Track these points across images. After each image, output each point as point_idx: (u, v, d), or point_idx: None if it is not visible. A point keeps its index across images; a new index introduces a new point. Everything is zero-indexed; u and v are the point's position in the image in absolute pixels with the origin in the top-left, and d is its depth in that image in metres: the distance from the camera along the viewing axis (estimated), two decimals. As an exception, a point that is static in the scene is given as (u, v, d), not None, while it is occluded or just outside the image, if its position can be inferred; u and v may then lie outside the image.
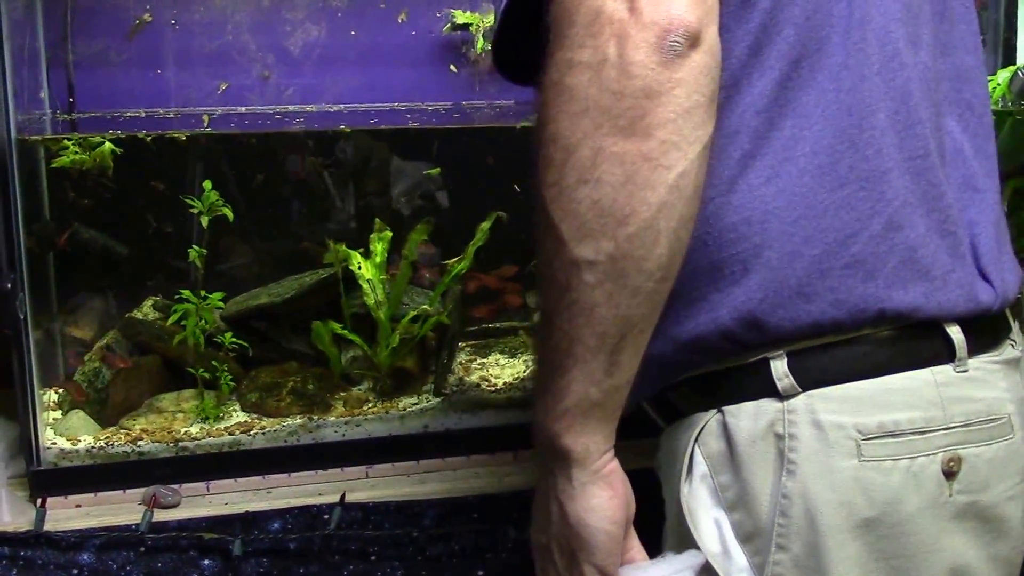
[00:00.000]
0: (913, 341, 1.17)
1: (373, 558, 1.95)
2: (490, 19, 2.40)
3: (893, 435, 1.14)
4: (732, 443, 1.21)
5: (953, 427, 1.16)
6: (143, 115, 2.34)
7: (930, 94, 1.20)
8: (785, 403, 1.19)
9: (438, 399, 2.27)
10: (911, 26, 1.19)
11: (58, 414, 2.19)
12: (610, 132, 0.96)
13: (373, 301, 2.24)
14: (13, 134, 1.96)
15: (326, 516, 1.95)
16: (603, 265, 0.99)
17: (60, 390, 2.27)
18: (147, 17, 2.30)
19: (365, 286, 2.24)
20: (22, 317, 1.94)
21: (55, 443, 2.07)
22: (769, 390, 1.20)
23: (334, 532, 1.93)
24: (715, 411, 1.23)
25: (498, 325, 2.61)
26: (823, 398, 1.14)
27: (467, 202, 2.54)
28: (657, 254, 1.00)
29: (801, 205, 1.12)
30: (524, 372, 2.39)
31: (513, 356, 2.51)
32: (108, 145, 2.11)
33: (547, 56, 1.00)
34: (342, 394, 2.28)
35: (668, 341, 1.21)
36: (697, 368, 1.24)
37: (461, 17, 2.42)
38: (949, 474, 1.17)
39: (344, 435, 2.16)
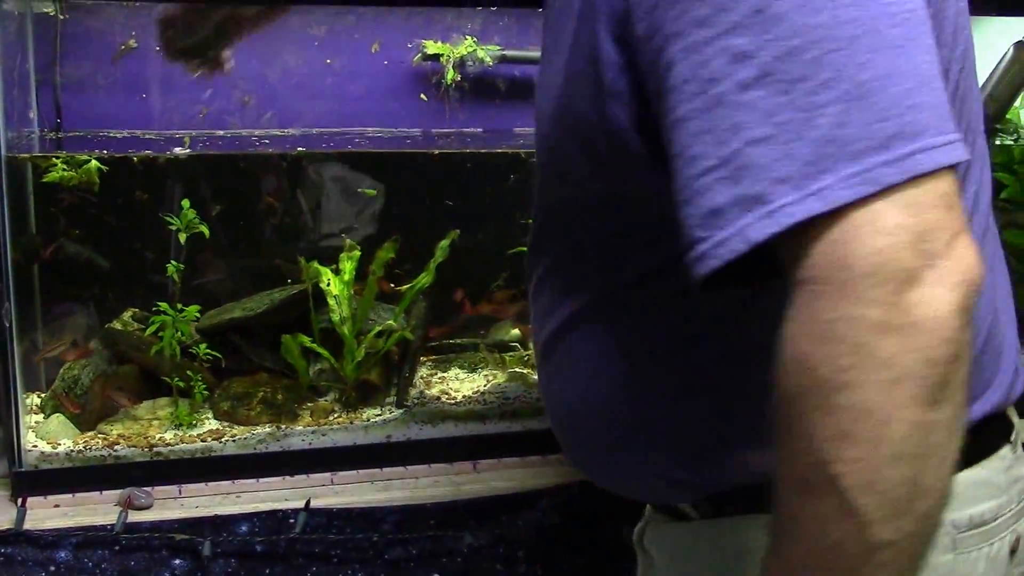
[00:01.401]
0: (986, 429, 1.17)
1: (336, 561, 2.00)
2: (460, 50, 2.44)
3: (979, 526, 1.14)
4: None
5: (1015, 508, 1.18)
6: (127, 136, 2.37)
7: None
8: None
9: (400, 411, 2.32)
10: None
11: (40, 418, 2.23)
12: (923, 402, 0.86)
13: (339, 317, 2.29)
14: (3, 152, 2.01)
15: (292, 520, 2.00)
16: (899, 544, 0.88)
17: (42, 395, 2.31)
18: (132, 43, 2.32)
19: (332, 302, 2.29)
20: (7, 326, 1.99)
21: (36, 446, 2.12)
22: None
23: (299, 536, 1.99)
24: None
25: (458, 341, 2.64)
26: None
27: (428, 222, 2.58)
28: (937, 523, 0.91)
29: None
30: (483, 386, 2.44)
31: (472, 371, 2.55)
32: (94, 163, 2.16)
33: (818, 301, 0.87)
34: (309, 405, 2.32)
35: None
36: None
37: (432, 48, 2.45)
38: (1013, 551, 1.21)
39: (310, 443, 2.21)
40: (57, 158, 2.17)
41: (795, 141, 0.87)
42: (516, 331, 2.68)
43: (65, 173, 2.15)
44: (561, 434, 1.35)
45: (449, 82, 2.48)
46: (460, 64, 2.48)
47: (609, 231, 1.20)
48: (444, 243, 2.37)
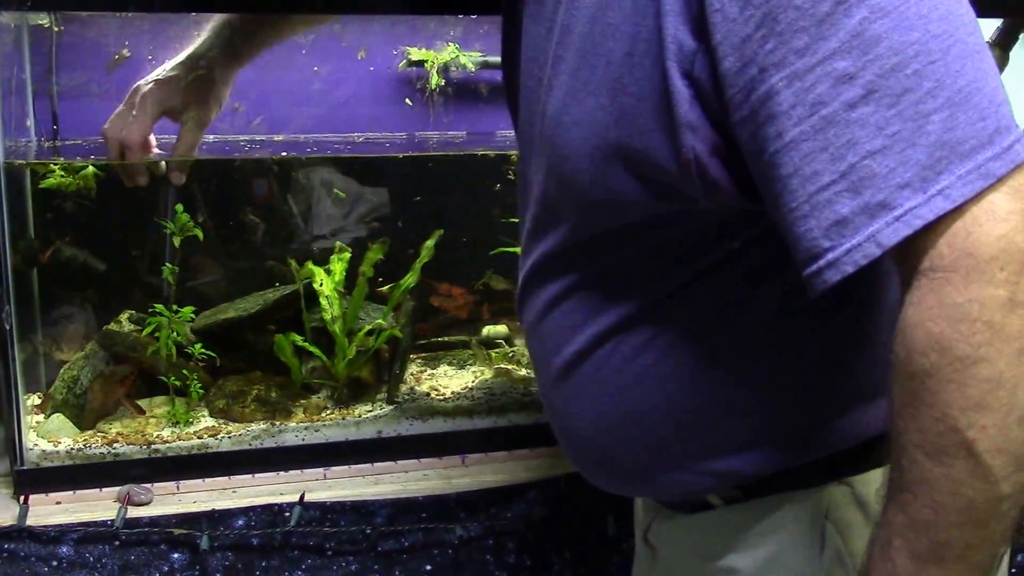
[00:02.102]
0: None
1: (330, 553, 2.04)
2: (443, 56, 2.48)
3: None
4: (865, 510, 1.27)
5: None
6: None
7: None
8: None
9: (391, 407, 2.35)
10: None
11: (40, 418, 2.25)
12: None
13: (330, 316, 2.32)
14: (1, 159, 2.04)
15: (287, 514, 2.04)
16: (1016, 495, 0.98)
17: (42, 395, 2.34)
18: (126, 52, 2.35)
19: (324, 302, 2.32)
20: (7, 328, 2.01)
21: (37, 445, 2.14)
22: None
23: (294, 529, 2.02)
24: (836, 483, 1.28)
25: (447, 339, 2.68)
26: None
27: (416, 223, 2.61)
28: None
29: None
30: (471, 382, 2.47)
31: (461, 368, 2.59)
32: (91, 169, 2.19)
33: (947, 286, 0.96)
34: (302, 402, 2.35)
35: (833, 434, 1.27)
36: (831, 450, 1.29)
37: (416, 54, 2.49)
38: None
39: (304, 439, 2.24)
40: (55, 164, 2.19)
41: (909, 148, 0.95)
42: (502, 328, 2.71)
43: (63, 179, 2.18)
44: (586, 447, 1.39)
45: (433, 87, 2.52)
46: (444, 70, 2.51)
47: (653, 247, 1.26)
48: (429, 243, 2.40)
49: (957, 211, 0.95)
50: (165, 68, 2.00)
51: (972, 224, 0.95)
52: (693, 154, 1.09)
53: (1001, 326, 0.94)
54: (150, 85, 1.98)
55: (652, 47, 1.08)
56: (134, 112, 1.98)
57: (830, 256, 1.00)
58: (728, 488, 1.35)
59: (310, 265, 2.34)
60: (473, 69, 2.54)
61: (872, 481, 1.25)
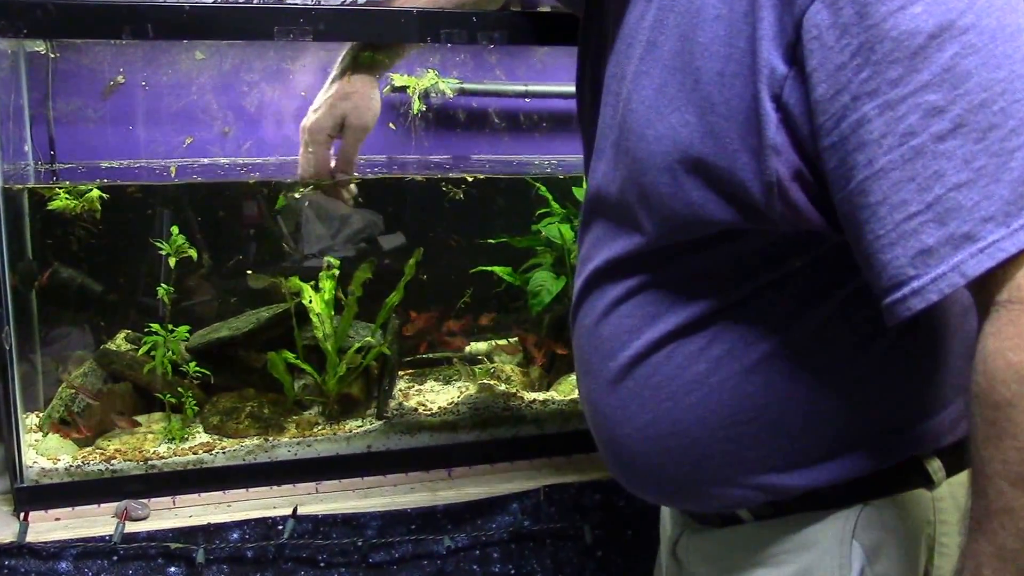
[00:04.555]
0: None
1: (322, 565, 2.08)
2: (424, 82, 2.52)
3: None
4: (890, 533, 1.29)
5: None
6: (116, 166, 2.43)
7: None
8: (934, 491, 1.31)
9: (380, 422, 2.38)
10: None
11: (39, 436, 2.27)
12: None
13: (322, 334, 2.36)
14: (0, 183, 2.07)
15: (280, 527, 2.07)
16: None
17: (40, 414, 2.36)
18: (120, 79, 2.39)
19: (315, 319, 2.35)
20: (7, 348, 2.03)
21: (36, 462, 2.16)
22: (923, 482, 1.31)
23: (287, 542, 2.05)
24: (861, 505, 1.30)
25: (433, 355, 2.71)
26: (964, 484, 1.16)
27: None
28: None
29: None
30: (456, 398, 2.51)
31: (447, 383, 2.63)
32: (96, 192, 2.22)
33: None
34: (294, 418, 2.38)
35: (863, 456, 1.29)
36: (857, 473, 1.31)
37: (399, 80, 2.52)
38: None
39: (296, 454, 2.27)
40: (60, 188, 2.22)
41: (993, 183, 0.99)
42: (484, 345, 2.76)
43: (68, 202, 2.21)
44: (630, 455, 1.40)
45: (415, 112, 2.56)
46: (424, 95, 2.56)
47: (721, 259, 1.28)
48: (412, 261, 2.43)
49: None
50: (318, 99, 2.08)
51: None
52: (776, 177, 1.13)
53: None
54: (310, 120, 2.06)
55: (744, 70, 1.12)
56: (310, 150, 2.05)
57: (915, 284, 1.03)
58: (761, 504, 1.36)
59: (296, 280, 2.37)
60: (451, 95, 2.58)
61: (898, 504, 1.29)
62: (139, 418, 2.34)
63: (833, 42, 1.04)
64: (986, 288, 1.02)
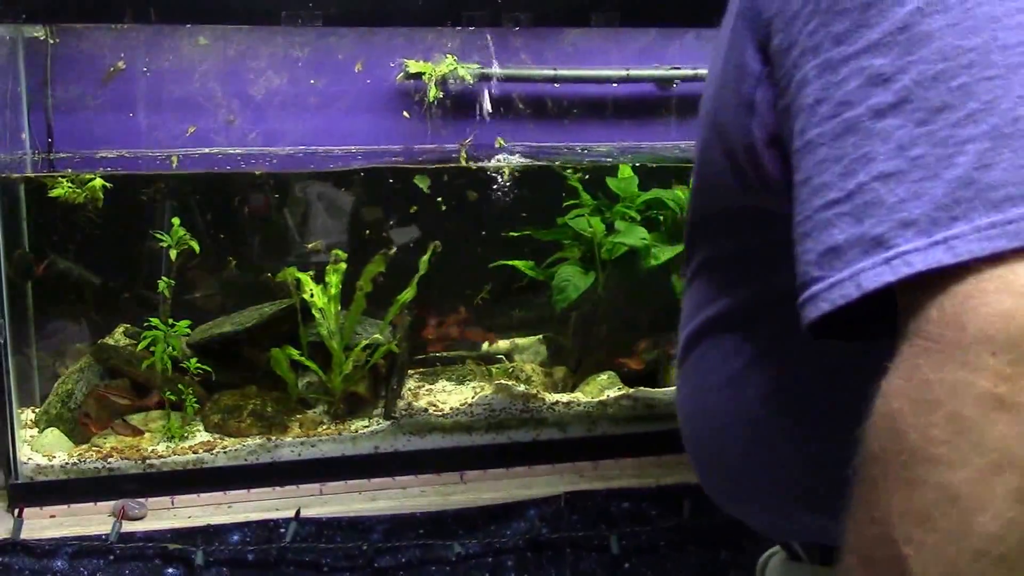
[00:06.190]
0: None
1: (326, 569, 2.03)
2: (441, 68, 2.46)
3: None
4: None
5: None
6: (116, 156, 2.38)
7: None
8: None
9: (388, 422, 2.35)
10: None
11: (35, 432, 2.25)
12: None
13: (327, 331, 2.32)
14: None
15: (282, 530, 2.04)
16: None
17: (36, 409, 2.34)
18: (121, 65, 2.35)
19: (318, 315, 2.32)
20: (2, 342, 2.02)
21: (32, 459, 2.15)
22: None
23: (289, 545, 2.02)
24: None
25: (445, 354, 2.67)
26: None
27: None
28: None
29: None
30: (470, 398, 2.46)
31: (460, 383, 2.58)
32: (98, 180, 2.20)
33: (922, 358, 0.76)
34: (298, 416, 2.35)
35: None
36: None
37: (414, 67, 2.47)
38: None
39: (300, 455, 2.24)
40: (63, 177, 2.20)
41: (928, 180, 0.78)
42: (502, 344, 2.71)
43: (71, 191, 2.19)
44: (686, 441, 1.30)
45: (431, 100, 2.51)
46: (442, 82, 2.50)
47: (756, 241, 1.14)
48: (425, 258, 2.40)
49: (961, 269, 0.75)
50: None
51: (974, 290, 0.75)
52: (751, 139, 0.99)
53: (972, 426, 0.73)
54: None
55: (740, 21, 0.99)
56: None
57: (815, 287, 0.84)
58: (810, 546, 1.22)
59: (293, 270, 2.34)
60: (471, 81, 2.53)
61: None
62: (137, 416, 2.31)
63: None
64: (903, 311, 0.80)
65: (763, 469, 1.17)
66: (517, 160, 2.50)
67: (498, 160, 2.49)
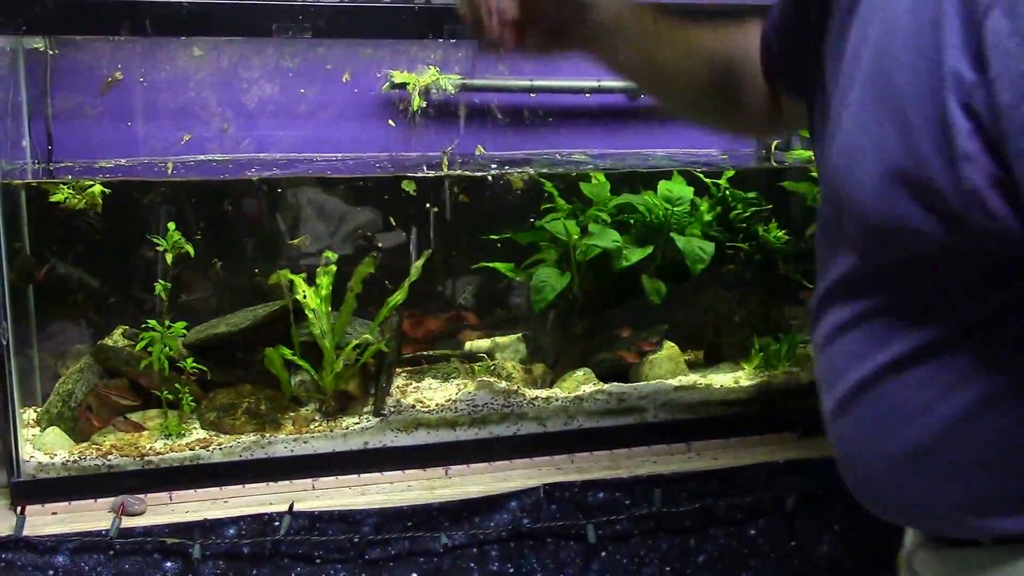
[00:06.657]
0: None
1: (319, 561, 2.10)
2: (425, 79, 2.52)
3: None
4: None
5: None
6: (112, 166, 2.43)
7: None
8: None
9: (377, 419, 2.39)
10: None
11: (37, 431, 2.29)
12: None
13: (319, 331, 2.36)
14: None
15: (276, 523, 2.08)
16: None
17: (38, 409, 2.37)
18: (118, 75, 2.40)
19: (311, 315, 2.35)
20: (4, 344, 2.06)
21: (33, 457, 2.18)
22: None
23: (284, 538, 2.07)
24: None
25: (431, 353, 2.72)
26: None
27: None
28: None
29: None
30: (454, 395, 2.51)
31: (445, 380, 2.62)
32: (98, 187, 2.24)
33: None
34: (291, 414, 2.39)
35: None
36: None
37: (399, 77, 2.54)
38: None
39: (293, 451, 2.28)
40: (64, 184, 2.23)
41: None
42: (484, 343, 2.77)
43: (71, 198, 2.22)
44: (874, 482, 1.34)
45: (415, 109, 2.56)
46: (425, 92, 2.56)
47: (942, 283, 1.21)
48: (418, 263, 2.45)
49: None
50: None
51: None
52: (972, 185, 1.08)
53: None
54: None
55: (933, 81, 1.08)
56: None
57: None
58: None
59: (287, 272, 2.37)
60: (452, 91, 2.59)
61: None
62: (135, 414, 2.35)
63: (1014, 49, 1.00)
64: None
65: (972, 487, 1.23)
66: (494, 169, 2.57)
67: (479, 166, 2.55)
